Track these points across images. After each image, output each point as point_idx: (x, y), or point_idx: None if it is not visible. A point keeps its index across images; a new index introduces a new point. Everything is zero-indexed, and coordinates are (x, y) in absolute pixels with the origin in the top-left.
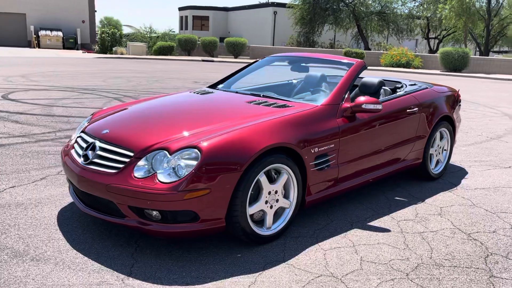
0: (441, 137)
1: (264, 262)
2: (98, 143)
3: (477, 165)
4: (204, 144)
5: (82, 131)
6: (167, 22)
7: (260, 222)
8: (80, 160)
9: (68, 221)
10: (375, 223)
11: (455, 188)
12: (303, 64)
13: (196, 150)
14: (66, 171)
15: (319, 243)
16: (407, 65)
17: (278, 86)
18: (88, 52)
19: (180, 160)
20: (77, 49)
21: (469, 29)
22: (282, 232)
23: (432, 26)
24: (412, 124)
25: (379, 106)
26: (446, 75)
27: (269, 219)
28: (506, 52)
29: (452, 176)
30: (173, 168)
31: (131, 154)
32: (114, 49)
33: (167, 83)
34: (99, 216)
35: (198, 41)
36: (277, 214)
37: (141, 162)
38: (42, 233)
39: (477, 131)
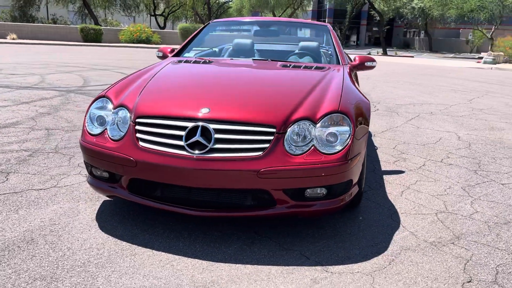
0: None
1: (387, 222)
2: (210, 126)
3: None
4: (346, 108)
5: (139, 116)
6: None
7: None
8: (192, 152)
9: (137, 237)
10: (388, 167)
11: (373, 134)
12: (272, 29)
13: (342, 115)
14: (156, 172)
15: (389, 193)
16: (148, 41)
17: (211, 53)
18: None
19: (329, 127)
20: None
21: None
22: None
23: (156, 3)
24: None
25: (375, 63)
26: None
27: None
28: None
29: None
30: (322, 137)
31: (272, 130)
32: None
33: None
34: (231, 215)
35: None
36: None
37: (288, 136)
38: (147, 260)
39: None
